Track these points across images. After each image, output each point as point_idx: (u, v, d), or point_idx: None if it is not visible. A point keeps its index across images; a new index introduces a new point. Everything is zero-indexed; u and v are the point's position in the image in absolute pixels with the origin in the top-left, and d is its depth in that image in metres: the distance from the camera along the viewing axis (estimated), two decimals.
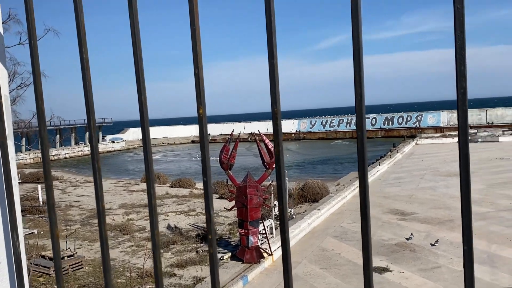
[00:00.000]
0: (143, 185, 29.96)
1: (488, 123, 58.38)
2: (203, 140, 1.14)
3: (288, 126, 74.71)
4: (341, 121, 71.25)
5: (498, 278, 10.56)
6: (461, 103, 0.89)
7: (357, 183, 22.96)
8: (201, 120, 1.08)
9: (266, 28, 1.00)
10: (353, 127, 68.88)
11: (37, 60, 1.27)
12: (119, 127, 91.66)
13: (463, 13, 0.85)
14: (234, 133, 14.71)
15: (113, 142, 75.82)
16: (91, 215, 20.82)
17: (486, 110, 60.42)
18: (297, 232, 14.97)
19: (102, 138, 76.29)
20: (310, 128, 73.61)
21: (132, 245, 15.34)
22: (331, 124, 71.90)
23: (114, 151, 73.68)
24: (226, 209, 14.69)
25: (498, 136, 42.97)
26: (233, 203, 13.09)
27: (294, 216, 17.27)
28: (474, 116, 60.00)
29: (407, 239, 13.88)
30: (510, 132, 46.84)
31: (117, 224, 18.23)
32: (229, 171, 13.31)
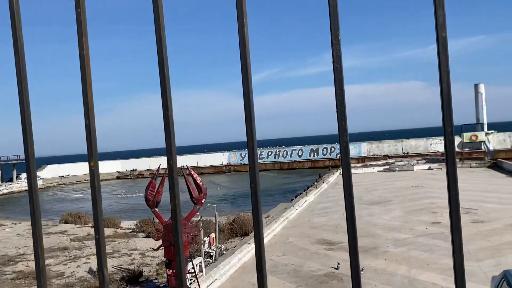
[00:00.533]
0: (62, 227, 27.93)
1: (404, 153, 62.76)
2: (94, 191, 1.06)
3: (218, 158, 74.66)
4: (269, 153, 72.66)
5: None
6: (344, 156, 0.91)
7: (286, 215, 23.29)
8: (93, 173, 1.00)
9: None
10: (281, 159, 70.51)
11: None
12: (36, 163, 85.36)
13: (341, 71, 0.88)
14: (161, 168, 14.33)
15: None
16: (2, 262, 18.90)
17: (402, 141, 65.03)
18: (227, 268, 14.70)
19: (17, 177, 70.70)
20: (241, 160, 74.12)
21: None
22: (261, 156, 73.02)
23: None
24: (153, 249, 14.08)
25: (413, 165, 46.25)
26: (160, 242, 12.59)
27: (224, 252, 16.99)
28: (391, 146, 64.29)
29: (336, 268, 14.18)
30: (423, 161, 50.68)
31: (31, 271, 16.69)
32: (156, 209, 12.86)
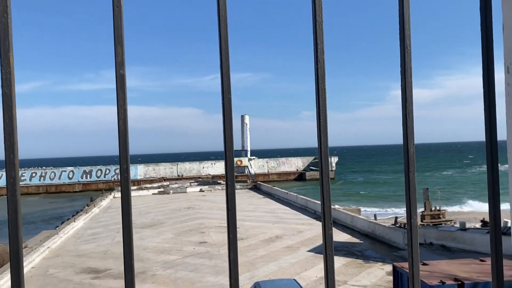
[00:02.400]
0: None
1: (179, 175, 65.18)
2: None
3: None
4: (34, 174, 64.46)
5: None
6: (11, 193, 0.84)
7: (47, 244, 20.87)
8: None
9: None
10: (48, 181, 63.40)
11: None
12: None
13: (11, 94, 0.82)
14: None
15: None
16: None
17: (177, 164, 67.48)
18: None
19: None
20: None
21: None
22: (22, 178, 64.03)
23: None
24: None
25: (186, 187, 48.41)
26: None
27: None
28: (167, 169, 65.95)
29: None
30: (195, 183, 53.65)
31: None
32: None
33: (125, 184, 0.93)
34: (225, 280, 14.84)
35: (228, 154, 0.99)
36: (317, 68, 1.01)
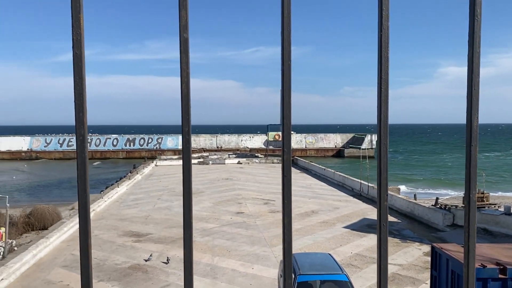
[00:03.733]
0: None
1: (218, 147, 66.15)
2: None
3: (18, 143, 65.60)
4: None
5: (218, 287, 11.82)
6: (80, 150, 0.88)
7: (93, 207, 21.95)
8: None
9: None
10: (94, 147, 66.11)
11: None
12: None
13: (81, 58, 0.85)
14: None
15: None
16: None
17: (217, 136, 68.38)
18: (19, 266, 13.07)
19: None
20: (45, 146, 66.63)
21: None
22: (69, 143, 67.07)
23: None
24: None
25: (225, 159, 49.11)
26: None
27: (16, 248, 15.04)
28: (207, 140, 67.02)
29: (146, 260, 14.02)
30: (234, 155, 54.29)
31: None
32: None
33: (186, 146, 0.96)
34: (261, 250, 15.14)
35: (285, 122, 0.99)
36: (381, 36, 0.98)
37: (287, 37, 0.94)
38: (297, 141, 66.07)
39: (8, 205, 15.68)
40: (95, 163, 59.23)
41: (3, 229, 15.07)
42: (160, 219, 20.23)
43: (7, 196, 16.21)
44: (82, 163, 0.90)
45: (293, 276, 9.83)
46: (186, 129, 0.94)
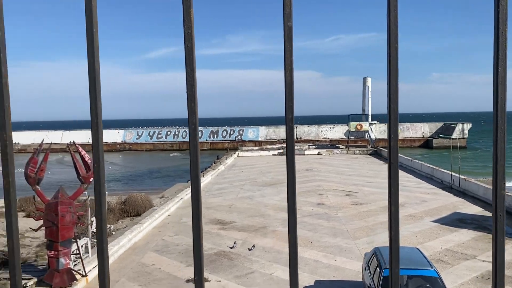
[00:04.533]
0: None
1: (297, 138, 66.16)
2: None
3: (113, 136, 71.13)
4: (168, 133, 71.20)
5: (301, 277, 11.88)
6: (192, 138, 0.93)
7: (181, 195, 23.17)
8: None
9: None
10: (181, 139, 69.60)
11: None
12: None
13: (192, 50, 0.89)
14: (45, 142, 13.25)
15: None
16: None
17: (296, 127, 68.40)
18: (116, 249, 14.24)
19: None
20: (137, 139, 71.52)
21: None
22: (159, 136, 71.26)
23: None
24: (32, 229, 13.06)
25: (304, 150, 48.95)
26: (40, 222, 11.71)
27: (114, 233, 16.39)
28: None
29: (231, 247, 14.54)
30: (313, 146, 53.87)
31: None
32: (37, 186, 11.88)
33: (290, 134, 0.97)
34: (343, 242, 14.92)
35: (392, 107, 0.96)
36: (498, 12, 0.91)
37: (394, 19, 0.90)
38: (381, 131, 63.77)
39: (106, 192, 17.10)
40: (173, 154, 62.39)
41: None
42: (243, 208, 20.78)
43: (105, 185, 17.66)
44: (194, 150, 0.96)
45: (378, 270, 9.56)
46: (289, 116, 0.95)
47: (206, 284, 11.58)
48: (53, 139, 52.98)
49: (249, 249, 14.24)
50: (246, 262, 13.21)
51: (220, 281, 11.74)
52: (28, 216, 20.37)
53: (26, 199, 21.97)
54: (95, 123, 0.96)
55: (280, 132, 67.00)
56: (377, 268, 9.59)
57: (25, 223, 19.13)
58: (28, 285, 11.42)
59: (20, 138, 71.81)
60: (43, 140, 14.17)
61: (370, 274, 9.94)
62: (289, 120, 0.96)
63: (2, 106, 0.93)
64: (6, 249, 14.88)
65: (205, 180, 29.43)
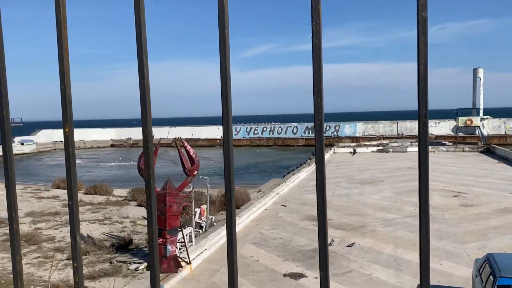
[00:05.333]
0: (54, 192, 28.03)
1: (398, 134, 63.01)
2: (68, 158, 1.06)
3: (213, 132, 74.57)
4: (264, 129, 72.68)
5: (402, 280, 11.34)
6: (318, 135, 0.92)
7: (277, 190, 23.50)
8: (67, 140, 1.00)
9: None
10: (276, 135, 70.57)
11: None
12: (30, 128, 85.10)
13: (320, 47, 0.88)
14: (154, 138, 14.32)
15: (22, 144, 70.20)
16: None
17: (397, 122, 65.17)
18: (217, 239, 14.91)
19: None
20: (235, 135, 74.14)
21: (38, 256, 14.26)
22: (255, 132, 73.08)
23: (24, 154, 68.24)
24: (144, 217, 14.23)
25: (407, 147, 46.48)
26: None
27: (215, 224, 17.19)
28: (387, 127, 64.46)
29: (329, 244, 14.44)
30: (416, 143, 50.92)
31: (23, 233, 16.82)
32: None
33: (423, 129, 0.92)
34: (450, 246, 13.91)
35: (421, 112, 0.86)
36: None
37: None
38: (494, 126, 58.13)
39: (208, 185, 18.00)
40: (266, 149, 63.27)
41: (205, 206, 17.36)
42: (339, 206, 20.43)
43: (208, 178, 18.59)
44: (320, 146, 0.95)
45: (492, 278, 8.75)
46: (423, 111, 0.90)
47: (302, 279, 11.61)
48: (161, 134, 57.02)
49: (348, 246, 13.98)
50: (344, 260, 12.98)
51: (317, 277, 11.67)
52: (139, 205, 22.27)
53: (138, 190, 24.04)
54: (226, 120, 1.01)
55: (379, 127, 64.46)
56: (490, 276, 8.79)
57: (136, 212, 20.94)
58: (139, 268, 12.49)
59: (132, 133, 78.64)
60: (153, 135, 15.31)
61: (482, 282, 9.14)
62: (423, 115, 0.91)
63: (144, 104, 1.02)
64: (121, 234, 16.47)
65: (300, 176, 29.48)
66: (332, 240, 14.67)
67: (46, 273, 12.24)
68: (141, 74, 0.98)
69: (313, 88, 0.93)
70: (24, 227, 18.11)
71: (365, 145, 49.61)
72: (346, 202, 21.30)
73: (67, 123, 1.01)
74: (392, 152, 44.82)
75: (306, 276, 11.78)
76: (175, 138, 16.48)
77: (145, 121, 1.01)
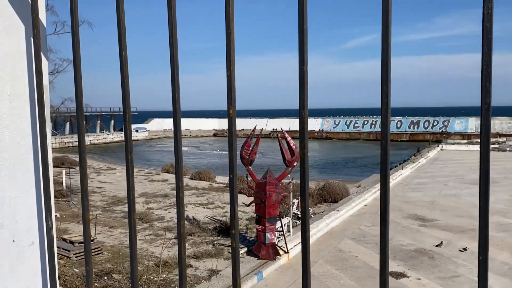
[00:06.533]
0: (164, 175, 30.38)
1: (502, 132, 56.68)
2: (231, 137, 1.17)
3: (311, 124, 74.30)
4: (365, 122, 70.45)
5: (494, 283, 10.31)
6: (485, 119, 0.90)
7: (378, 186, 22.74)
8: (231, 120, 1.11)
9: (299, 36, 1.03)
10: (378, 129, 68.01)
11: (79, 56, 1.33)
12: (143, 117, 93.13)
13: (491, 31, 0.85)
14: (256, 129, 14.75)
15: (136, 131, 77.10)
16: (112, 202, 21.26)
17: (494, 118, 58.62)
18: (315, 231, 14.94)
19: (101, 129, 77.60)
20: (334, 127, 73.07)
21: (150, 234, 15.62)
22: (355, 125, 71.21)
23: (138, 140, 74.94)
24: (244, 204, 14.78)
25: None
26: (251, 198, 13.15)
27: (312, 216, 17.23)
28: (504, 124, 58.38)
29: (437, 245, 13.63)
30: None
31: (137, 212, 18.56)
32: (249, 167, 13.35)
33: None
34: None
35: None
36: None
37: None
38: None
39: None
40: (367, 144, 60.91)
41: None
42: (447, 206, 19.13)
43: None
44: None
45: None
46: None
47: (404, 279, 11.15)
48: (260, 125, 58.46)
49: (460, 251, 13.06)
50: (450, 264, 12.17)
51: (420, 279, 11.13)
52: (240, 192, 23.17)
53: (238, 178, 24.97)
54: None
55: (494, 124, 58.67)
56: None
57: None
58: (240, 252, 13.03)
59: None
60: (255, 126, 15.78)
61: None
62: None
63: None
64: (223, 219, 17.32)
65: (404, 173, 28.12)
66: (441, 242, 13.82)
67: (157, 249, 13.36)
68: (300, 60, 1.05)
69: (482, 72, 0.92)
70: (138, 207, 19.95)
71: (477, 143, 45.55)
72: (454, 202, 19.86)
73: (231, 105, 1.12)
74: (510, 151, 40.56)
75: (407, 276, 11.29)
76: (274, 129, 16.75)
77: (303, 106, 1.08)
